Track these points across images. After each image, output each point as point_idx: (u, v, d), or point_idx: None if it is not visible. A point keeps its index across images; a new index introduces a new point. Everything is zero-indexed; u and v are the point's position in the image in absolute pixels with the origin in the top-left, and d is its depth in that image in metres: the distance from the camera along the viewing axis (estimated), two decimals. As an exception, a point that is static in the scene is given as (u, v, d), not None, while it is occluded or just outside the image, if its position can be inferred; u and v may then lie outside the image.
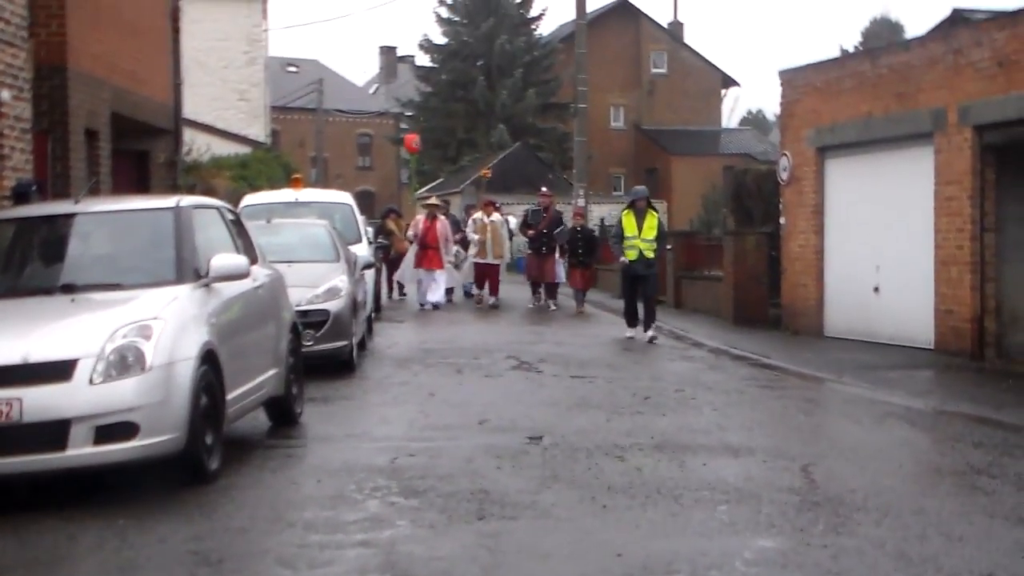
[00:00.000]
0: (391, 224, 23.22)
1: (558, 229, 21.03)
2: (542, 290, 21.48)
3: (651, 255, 15.53)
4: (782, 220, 17.86)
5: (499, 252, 21.38)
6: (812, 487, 7.03)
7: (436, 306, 20.47)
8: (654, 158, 53.64)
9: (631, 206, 15.71)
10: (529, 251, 21.88)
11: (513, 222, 24.69)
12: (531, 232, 21.51)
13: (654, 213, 15.65)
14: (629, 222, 15.50)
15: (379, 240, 21.00)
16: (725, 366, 13.51)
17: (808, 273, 17.02)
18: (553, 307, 21.10)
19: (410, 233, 21.56)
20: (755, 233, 19.12)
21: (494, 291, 21.44)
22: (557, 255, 21.19)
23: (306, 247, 13.28)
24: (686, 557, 5.48)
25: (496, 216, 21.73)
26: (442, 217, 21.57)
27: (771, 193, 19.21)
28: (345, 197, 18.25)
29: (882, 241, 15.48)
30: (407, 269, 21.18)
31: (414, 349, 14.52)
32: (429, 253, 20.64)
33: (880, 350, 14.62)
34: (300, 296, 11.35)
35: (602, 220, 28.78)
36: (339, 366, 12.05)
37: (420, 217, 21.66)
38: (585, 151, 28.92)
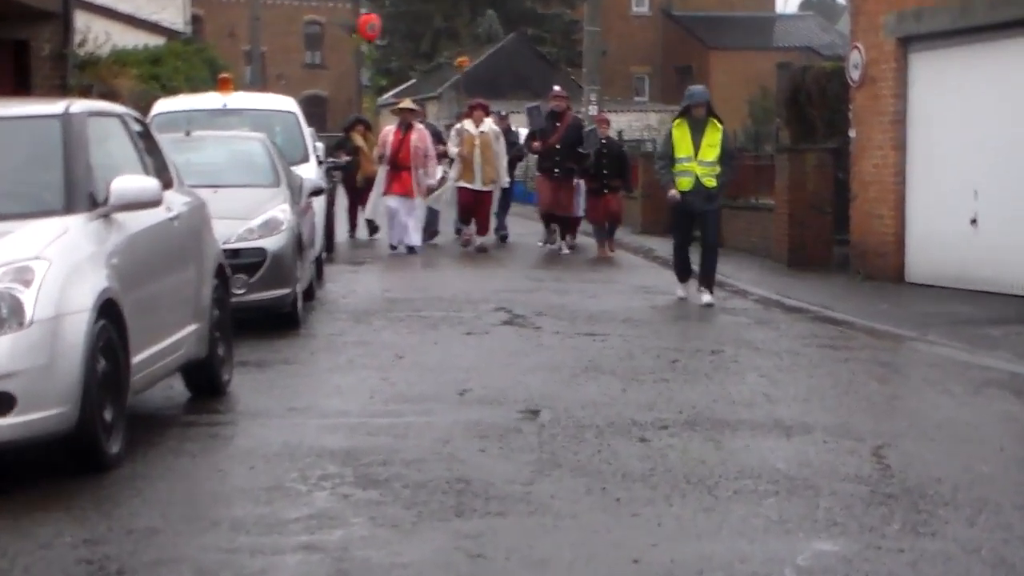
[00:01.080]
0: (358, 139, 22.69)
1: (584, 145, 20.15)
2: (557, 228, 21.01)
3: (712, 184, 14.34)
4: (852, 133, 17.83)
5: (491, 175, 20.58)
6: (886, 475, 7.07)
7: (412, 249, 19.98)
8: (688, 53, 53.47)
9: (685, 114, 14.61)
10: (538, 173, 21.34)
11: (523, 135, 23.84)
12: (537, 144, 20.82)
13: (717, 125, 14.43)
14: (682, 137, 14.35)
15: (332, 160, 20.66)
16: (776, 320, 13.56)
17: (885, 201, 17.00)
18: (567, 249, 20.88)
19: (377, 151, 21.04)
20: (817, 149, 19.08)
21: (483, 229, 20.86)
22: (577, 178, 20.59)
23: (237, 168, 13.29)
24: (721, 563, 5.51)
25: (489, 125, 20.91)
26: (419, 126, 20.78)
27: (838, 98, 19.15)
28: (288, 104, 18.18)
29: (982, 160, 15.45)
30: (376, 200, 20.66)
31: (376, 299, 14.55)
32: (402, 175, 20.00)
33: (978, 300, 14.65)
34: (229, 231, 11.40)
35: (619, 134, 28.62)
36: (279, 320, 12.09)
37: (390, 128, 21.01)
38: (598, 44, 28.82)
